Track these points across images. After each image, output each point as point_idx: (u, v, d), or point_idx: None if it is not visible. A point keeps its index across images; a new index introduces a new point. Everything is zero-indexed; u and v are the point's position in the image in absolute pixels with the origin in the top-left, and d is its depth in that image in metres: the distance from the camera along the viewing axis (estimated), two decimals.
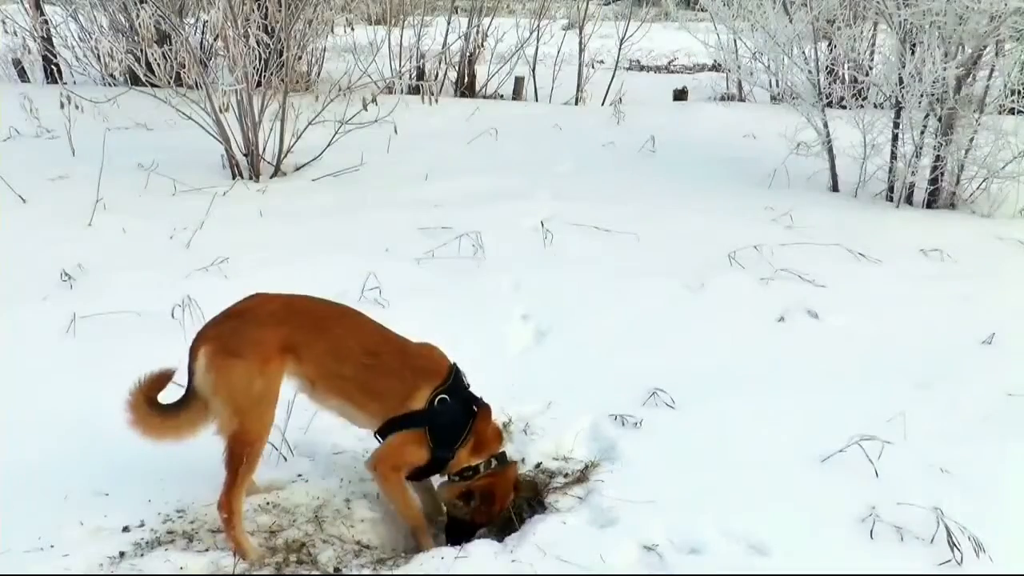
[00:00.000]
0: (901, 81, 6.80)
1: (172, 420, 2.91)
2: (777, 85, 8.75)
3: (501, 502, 3.11)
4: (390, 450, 3.05)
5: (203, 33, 8.64)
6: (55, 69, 9.78)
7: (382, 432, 3.06)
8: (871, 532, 2.96)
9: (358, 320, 3.15)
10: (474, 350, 4.21)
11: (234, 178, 7.16)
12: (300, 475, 3.37)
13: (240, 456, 2.84)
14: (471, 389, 3.16)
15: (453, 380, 3.07)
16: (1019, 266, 5.82)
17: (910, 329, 4.68)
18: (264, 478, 3.36)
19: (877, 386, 4.02)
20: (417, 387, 3.03)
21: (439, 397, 3.01)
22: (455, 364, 3.14)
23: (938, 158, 6.85)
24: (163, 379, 2.96)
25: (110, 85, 9.05)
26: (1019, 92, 6.81)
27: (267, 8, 7.52)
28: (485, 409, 3.14)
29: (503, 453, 3.17)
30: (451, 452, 3.06)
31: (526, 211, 6.37)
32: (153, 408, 2.91)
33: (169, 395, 2.98)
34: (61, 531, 2.91)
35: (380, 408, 3.04)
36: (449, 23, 10.80)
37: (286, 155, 7.39)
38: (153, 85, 7.29)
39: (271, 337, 2.90)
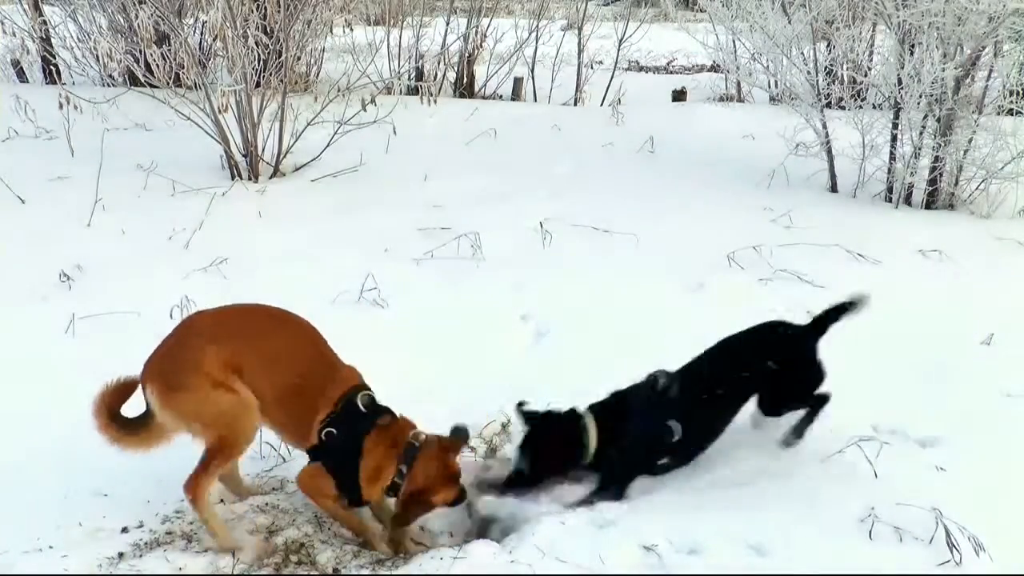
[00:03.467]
0: (900, 82, 6.80)
1: (134, 436, 2.90)
2: (776, 86, 8.75)
3: (436, 486, 2.97)
4: (306, 477, 2.99)
5: (202, 34, 8.62)
6: (54, 70, 9.77)
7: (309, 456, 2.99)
8: (870, 532, 2.96)
9: (294, 330, 3.01)
10: (473, 351, 4.24)
11: (233, 179, 7.15)
12: None
13: (215, 453, 2.85)
14: (374, 402, 2.98)
15: (343, 409, 2.90)
16: (1018, 266, 5.83)
17: (909, 329, 4.68)
18: (262, 478, 3.37)
19: (877, 386, 4.02)
20: (315, 414, 2.90)
21: (325, 431, 2.89)
22: (353, 389, 2.95)
23: (937, 159, 6.85)
24: (126, 390, 2.93)
25: (109, 86, 9.05)
26: (1018, 93, 6.82)
27: (266, 9, 7.52)
28: (379, 425, 2.95)
29: (410, 444, 2.99)
30: (355, 487, 2.94)
31: (525, 212, 6.37)
32: (115, 420, 2.89)
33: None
34: (60, 532, 2.91)
35: (297, 433, 2.95)
36: (448, 24, 10.80)
37: (285, 156, 7.38)
38: (152, 86, 7.28)
39: (208, 360, 2.81)
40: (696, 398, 3.31)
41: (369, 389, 2.99)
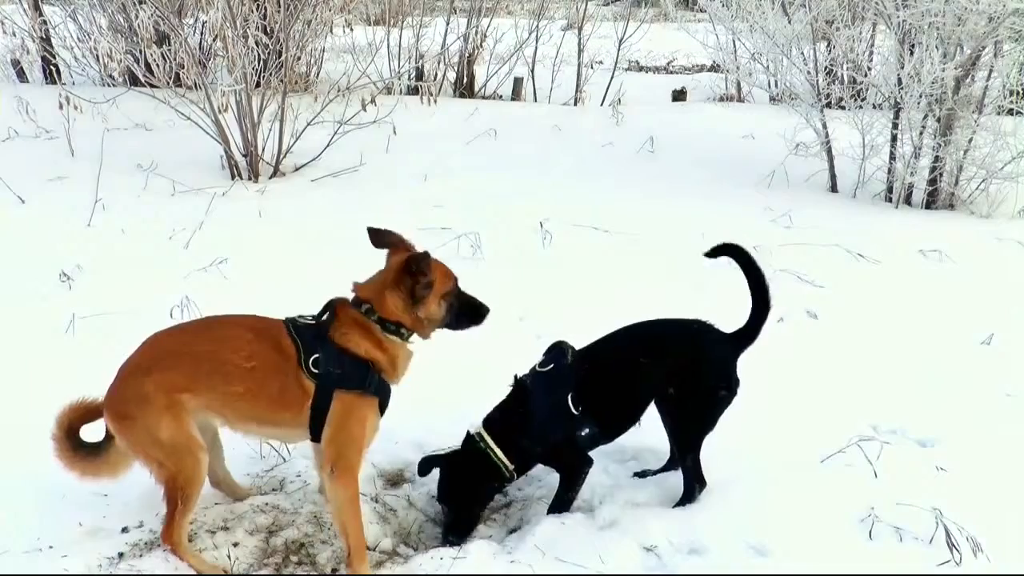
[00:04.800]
0: (900, 82, 6.81)
1: (92, 462, 2.87)
2: (776, 86, 8.76)
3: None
4: (341, 438, 2.79)
5: (202, 34, 8.62)
6: (54, 70, 9.76)
7: (315, 432, 2.84)
8: (871, 532, 2.96)
9: (222, 326, 2.92)
10: (472, 351, 4.23)
11: (233, 178, 7.16)
12: (299, 475, 3.37)
13: (175, 500, 2.77)
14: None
15: (296, 333, 2.81)
16: (1018, 266, 5.83)
17: (909, 329, 4.69)
18: (262, 479, 3.37)
19: (876, 386, 4.03)
20: (295, 367, 2.79)
21: (312, 359, 2.77)
22: (287, 320, 2.88)
23: (937, 159, 6.86)
24: (84, 412, 2.88)
25: (109, 86, 9.05)
26: (1018, 93, 6.83)
27: (266, 9, 7.53)
28: (338, 313, 2.87)
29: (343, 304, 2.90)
30: (370, 380, 2.80)
31: (525, 211, 6.37)
32: (75, 444, 2.86)
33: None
34: (60, 532, 2.90)
35: (292, 414, 2.82)
36: (448, 23, 10.80)
37: (285, 155, 7.39)
38: (152, 86, 7.29)
39: (151, 385, 2.73)
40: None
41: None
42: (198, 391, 2.77)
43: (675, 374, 3.18)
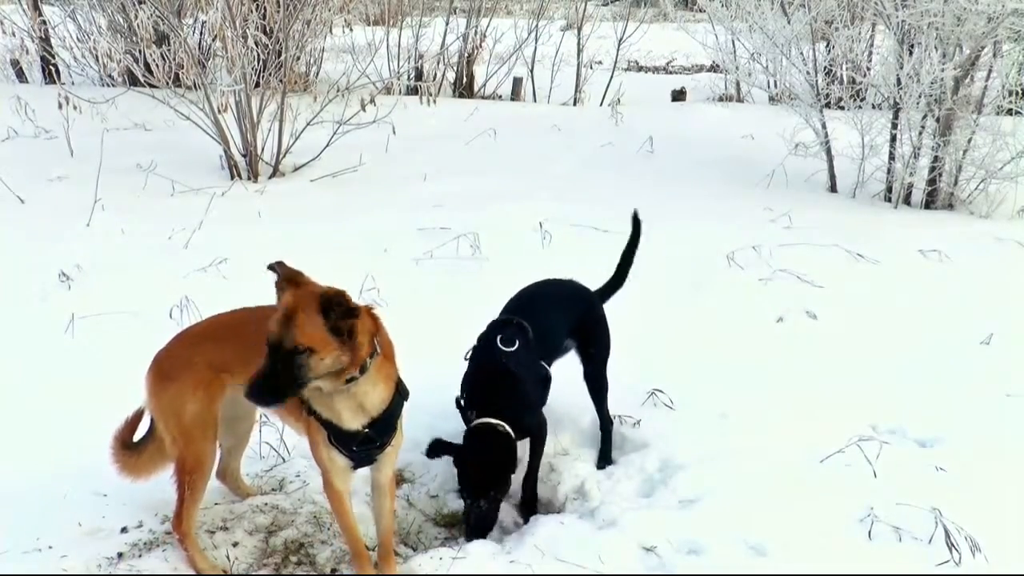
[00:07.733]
0: (899, 82, 6.81)
1: (136, 457, 2.90)
2: (775, 86, 8.76)
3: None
4: (312, 448, 2.72)
5: (201, 34, 8.62)
6: (53, 70, 9.77)
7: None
8: (870, 532, 2.96)
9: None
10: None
11: (232, 178, 7.16)
12: (299, 475, 3.37)
13: (183, 484, 2.76)
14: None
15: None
16: (1017, 266, 5.82)
17: (908, 329, 4.68)
18: (262, 479, 3.37)
19: (876, 386, 4.02)
20: None
21: None
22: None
23: (936, 159, 6.86)
24: (135, 421, 2.94)
25: (108, 86, 9.06)
26: (1017, 93, 6.83)
27: (265, 9, 7.52)
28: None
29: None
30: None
31: (525, 212, 6.36)
32: (127, 449, 2.91)
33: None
34: (59, 532, 2.90)
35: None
36: (447, 24, 10.80)
37: (284, 155, 7.39)
38: (151, 86, 7.28)
39: (200, 357, 2.74)
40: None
41: None
42: (243, 373, 2.66)
43: (584, 325, 3.63)
